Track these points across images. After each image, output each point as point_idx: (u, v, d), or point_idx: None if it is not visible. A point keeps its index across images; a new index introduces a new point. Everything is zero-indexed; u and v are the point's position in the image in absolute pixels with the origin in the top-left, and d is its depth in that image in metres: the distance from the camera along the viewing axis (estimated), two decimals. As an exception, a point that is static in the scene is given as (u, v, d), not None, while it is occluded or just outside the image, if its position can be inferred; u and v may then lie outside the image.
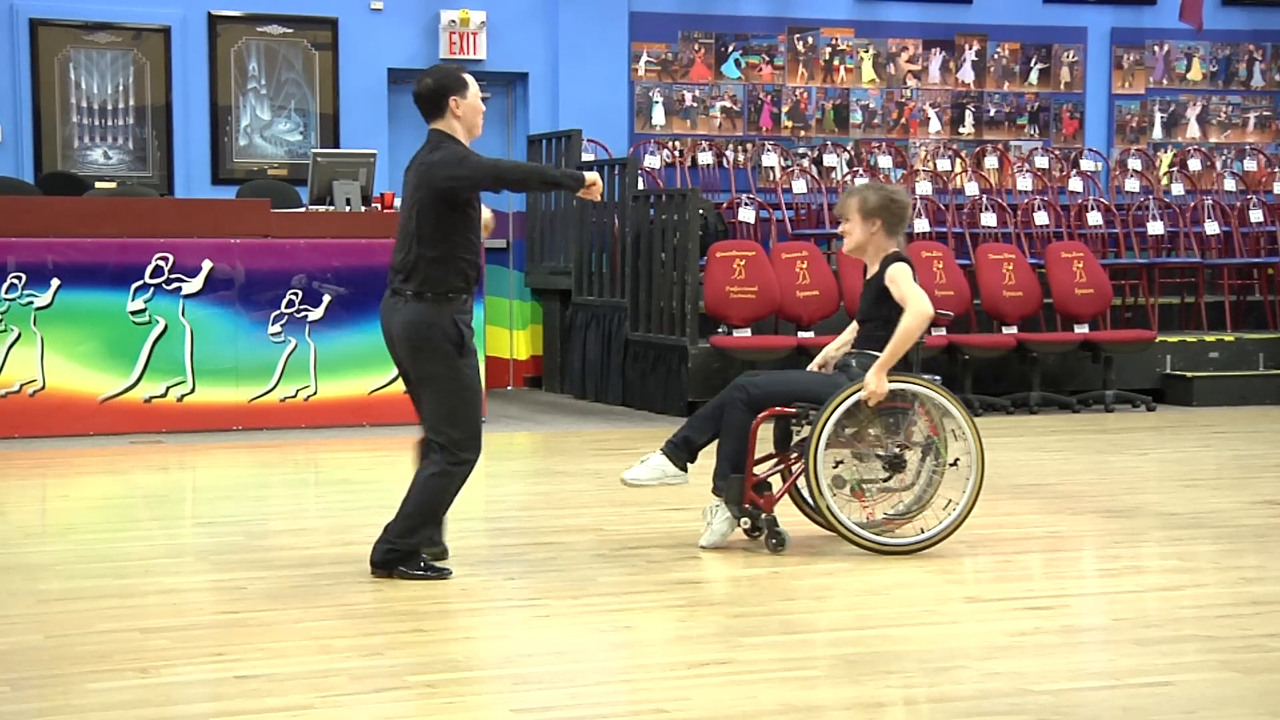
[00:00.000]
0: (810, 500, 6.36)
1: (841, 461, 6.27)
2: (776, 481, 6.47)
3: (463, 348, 5.75)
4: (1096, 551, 6.67)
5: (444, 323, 5.72)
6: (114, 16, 12.38)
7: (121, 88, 12.43)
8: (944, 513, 6.30)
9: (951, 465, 6.31)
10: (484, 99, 6.04)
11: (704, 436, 6.31)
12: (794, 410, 6.26)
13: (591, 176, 5.91)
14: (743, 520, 6.30)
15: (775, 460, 6.44)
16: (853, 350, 6.43)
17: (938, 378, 6.42)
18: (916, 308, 6.20)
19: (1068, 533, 6.94)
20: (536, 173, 6.24)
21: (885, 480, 6.28)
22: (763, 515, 6.28)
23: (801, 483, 6.34)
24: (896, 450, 6.24)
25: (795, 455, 6.37)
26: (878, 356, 6.26)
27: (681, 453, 6.28)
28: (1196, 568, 6.24)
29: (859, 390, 6.14)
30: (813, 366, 6.63)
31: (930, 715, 4.23)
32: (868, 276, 6.46)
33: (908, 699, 4.37)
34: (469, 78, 5.91)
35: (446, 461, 5.74)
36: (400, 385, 10.38)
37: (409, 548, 5.79)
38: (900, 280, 6.28)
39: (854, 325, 6.66)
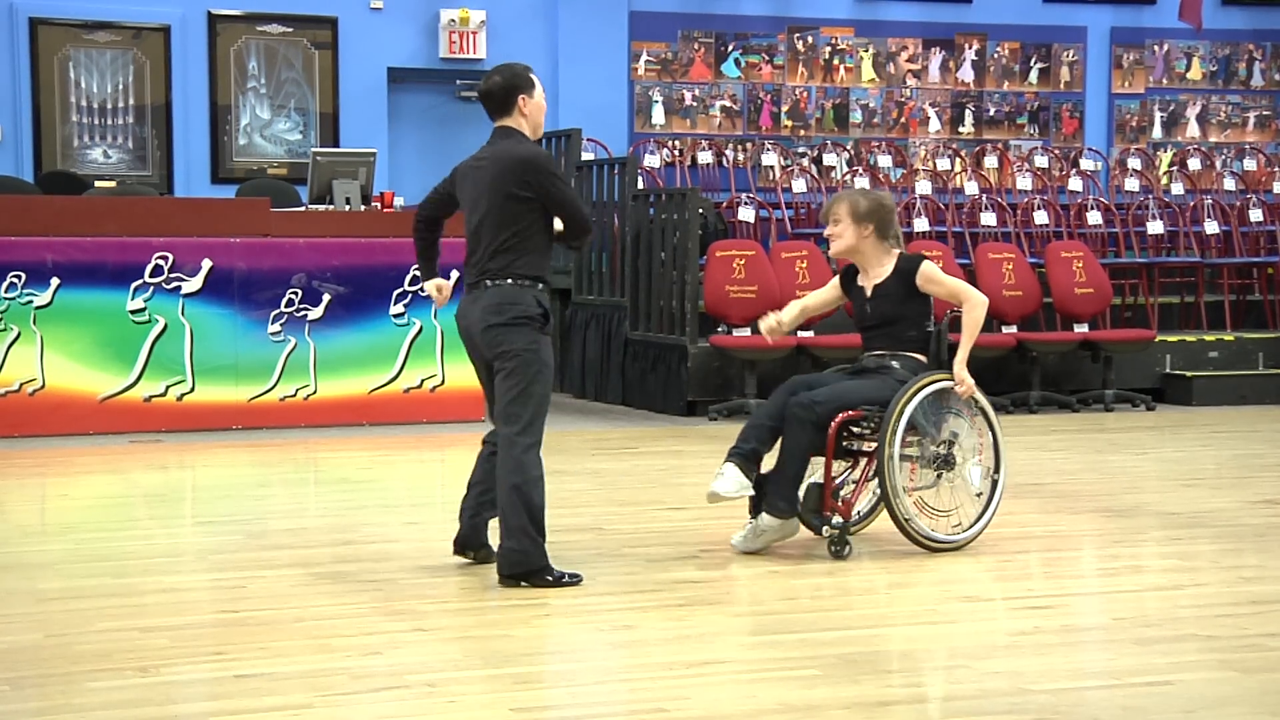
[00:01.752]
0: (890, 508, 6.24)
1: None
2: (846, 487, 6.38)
3: (545, 325, 5.72)
4: (1096, 551, 6.67)
5: (527, 300, 5.69)
6: (114, 15, 12.39)
7: (121, 87, 12.43)
8: (975, 508, 6.37)
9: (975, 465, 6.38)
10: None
11: (768, 447, 6.22)
12: (861, 414, 6.17)
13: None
14: (824, 530, 6.17)
15: (846, 466, 6.38)
16: (881, 353, 6.37)
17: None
18: (978, 297, 6.34)
19: (1067, 532, 6.94)
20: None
21: (936, 480, 6.28)
22: (839, 521, 6.16)
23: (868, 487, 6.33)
24: (941, 451, 6.25)
25: (863, 460, 6.30)
26: (916, 358, 6.31)
27: (752, 464, 6.17)
28: (1196, 567, 6.24)
29: (927, 386, 6.14)
30: (767, 325, 6.47)
31: (930, 714, 4.23)
32: (877, 280, 6.39)
33: (907, 698, 4.37)
34: (535, 77, 5.98)
35: (523, 444, 5.63)
36: (401, 385, 10.40)
37: (539, 550, 5.65)
38: (944, 278, 6.38)
39: (801, 305, 6.56)
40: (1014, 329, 11.64)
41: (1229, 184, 14.16)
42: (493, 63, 13.10)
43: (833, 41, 14.09)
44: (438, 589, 5.67)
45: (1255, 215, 13.49)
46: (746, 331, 11.08)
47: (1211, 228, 13.32)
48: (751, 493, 6.16)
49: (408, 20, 13.03)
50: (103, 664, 4.63)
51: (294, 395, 10.25)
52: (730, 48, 13.82)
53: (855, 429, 6.25)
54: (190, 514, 7.72)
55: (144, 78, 12.46)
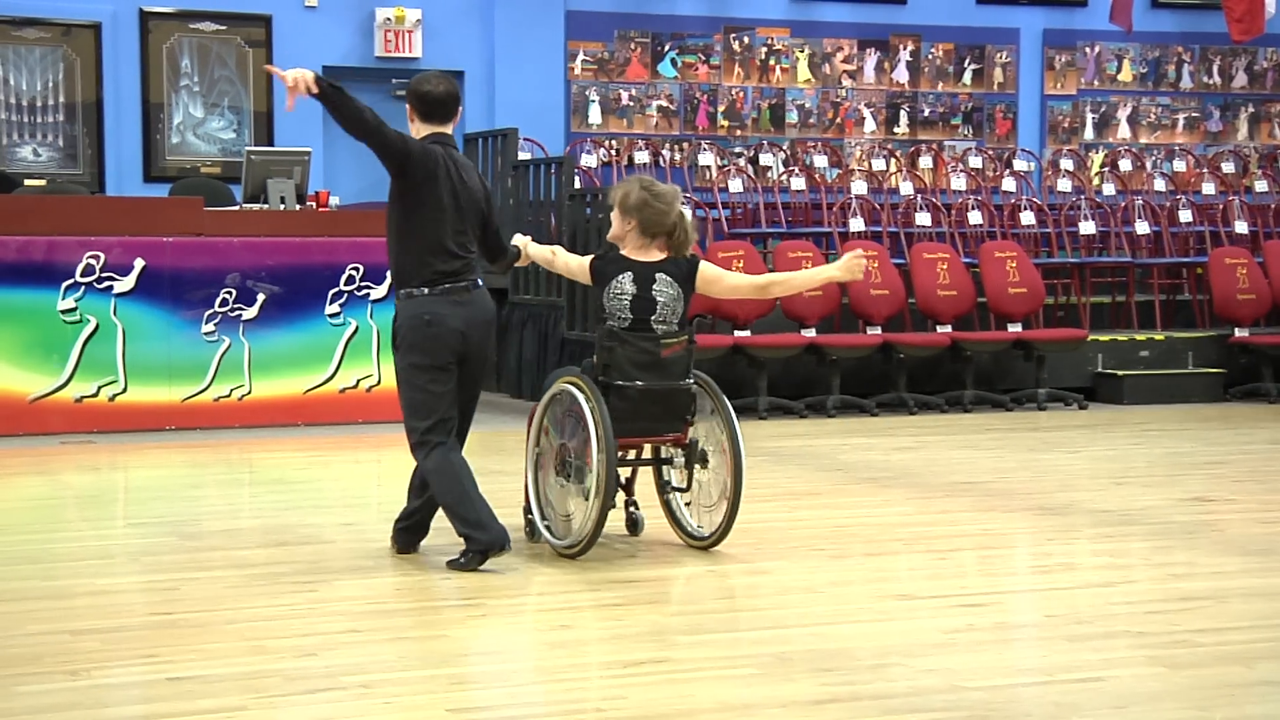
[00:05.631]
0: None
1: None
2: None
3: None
4: (1029, 549, 6.73)
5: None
6: (44, 12, 12.25)
7: (51, 84, 12.29)
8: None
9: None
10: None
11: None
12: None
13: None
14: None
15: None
16: None
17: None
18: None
19: (1001, 530, 7.00)
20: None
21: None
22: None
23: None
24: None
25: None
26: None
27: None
28: (1127, 564, 6.31)
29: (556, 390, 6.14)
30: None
31: (865, 712, 4.26)
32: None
33: (842, 696, 4.39)
34: None
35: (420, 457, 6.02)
36: (337, 386, 10.35)
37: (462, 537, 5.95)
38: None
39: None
40: (948, 328, 11.72)
41: (1159, 185, 14.31)
42: (429, 62, 13.10)
43: (769, 42, 14.13)
44: (373, 590, 5.64)
45: (1185, 216, 13.65)
46: (683, 331, 11.07)
47: (1142, 228, 13.46)
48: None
49: (343, 19, 12.96)
50: (32, 668, 4.58)
51: (228, 395, 10.17)
52: (666, 48, 13.84)
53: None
54: (122, 515, 7.65)
55: (75, 75, 12.33)
